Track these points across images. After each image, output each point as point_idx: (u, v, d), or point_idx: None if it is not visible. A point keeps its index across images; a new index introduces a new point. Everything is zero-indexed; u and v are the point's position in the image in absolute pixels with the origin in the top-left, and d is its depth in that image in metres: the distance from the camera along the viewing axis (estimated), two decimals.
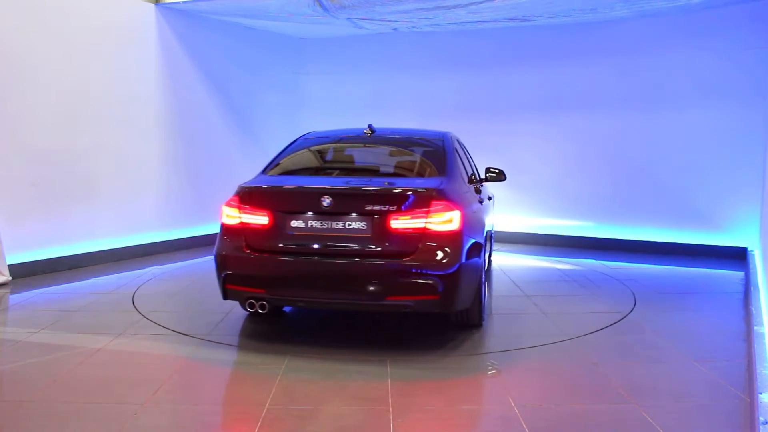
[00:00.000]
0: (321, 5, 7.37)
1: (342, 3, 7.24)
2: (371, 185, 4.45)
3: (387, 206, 4.14)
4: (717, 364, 4.12)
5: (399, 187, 4.36)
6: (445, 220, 4.16)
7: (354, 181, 4.60)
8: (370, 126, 5.29)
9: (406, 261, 4.07)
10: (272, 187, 4.52)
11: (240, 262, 4.36)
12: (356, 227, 4.19)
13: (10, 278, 6.33)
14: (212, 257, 4.53)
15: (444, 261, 4.10)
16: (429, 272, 4.08)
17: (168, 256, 7.97)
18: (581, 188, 8.77)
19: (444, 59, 9.46)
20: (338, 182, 4.59)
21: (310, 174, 5.04)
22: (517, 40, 8.94)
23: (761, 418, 2.85)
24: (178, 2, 7.86)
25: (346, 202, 4.23)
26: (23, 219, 6.56)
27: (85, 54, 7.09)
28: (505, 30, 8.81)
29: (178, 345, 4.51)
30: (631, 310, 5.46)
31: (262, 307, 4.30)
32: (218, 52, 8.90)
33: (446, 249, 4.13)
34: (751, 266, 6.76)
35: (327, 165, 5.25)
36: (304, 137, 5.47)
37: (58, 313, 5.29)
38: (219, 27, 8.83)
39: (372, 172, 5.14)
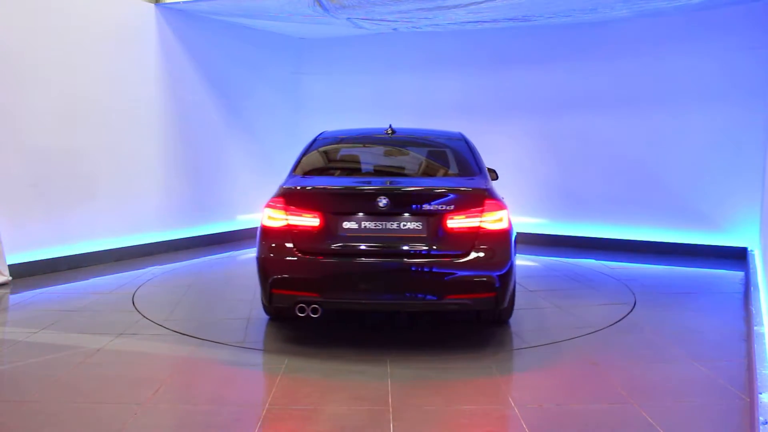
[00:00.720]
0: (321, 5, 7.37)
1: (342, 3, 7.24)
2: (427, 185, 4.48)
3: (443, 206, 4.18)
4: (717, 364, 4.12)
5: (454, 186, 4.41)
6: (496, 219, 4.24)
7: (406, 182, 4.63)
8: (390, 126, 5.28)
9: (465, 260, 4.13)
10: (324, 188, 4.43)
11: (290, 265, 4.19)
12: (411, 227, 4.20)
13: (10, 278, 6.32)
14: (255, 260, 4.39)
15: (499, 259, 4.19)
16: (487, 271, 4.15)
17: (168, 256, 7.97)
18: (581, 188, 8.77)
19: (444, 59, 9.45)
20: (388, 182, 4.59)
21: (349, 174, 5.01)
22: (517, 40, 8.94)
23: (761, 418, 2.85)
24: (178, 2, 7.86)
25: (403, 202, 4.23)
26: (23, 219, 6.56)
27: (85, 54, 7.09)
28: (505, 30, 8.81)
29: (178, 345, 4.51)
30: (631, 310, 5.45)
31: (314, 311, 4.16)
32: (218, 52, 8.90)
33: (500, 247, 4.23)
34: (751, 266, 6.76)
35: (362, 165, 5.24)
36: (323, 137, 5.35)
37: (58, 313, 5.29)
38: (219, 27, 8.83)
39: (411, 171, 5.11)
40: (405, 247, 4.17)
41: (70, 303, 5.66)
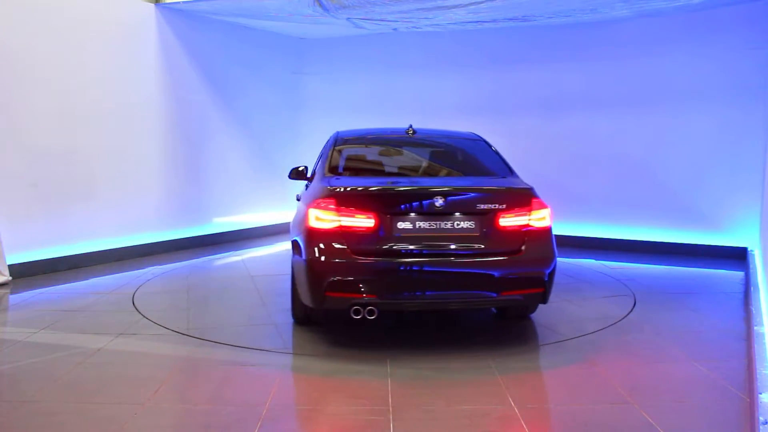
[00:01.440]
0: (321, 5, 7.37)
1: (342, 3, 7.24)
2: (477, 184, 4.56)
3: (496, 205, 4.26)
4: (717, 364, 4.12)
5: (502, 186, 4.49)
6: (541, 217, 4.40)
7: (454, 181, 4.68)
8: (411, 126, 5.33)
9: (518, 257, 4.25)
10: (379, 188, 4.38)
11: (346, 267, 4.10)
12: (464, 226, 4.24)
13: (10, 278, 6.33)
14: (298, 263, 4.33)
15: (547, 256, 4.36)
16: (537, 267, 4.30)
17: (168, 256, 7.97)
18: (581, 188, 8.76)
19: (444, 59, 9.45)
20: (438, 182, 4.62)
21: (389, 174, 5.02)
22: (517, 40, 8.94)
23: (761, 418, 2.85)
24: (178, 2, 7.86)
25: (457, 202, 4.26)
26: (23, 219, 6.57)
27: (85, 54, 7.09)
28: (505, 30, 8.81)
29: (178, 345, 4.51)
30: (631, 310, 5.45)
31: (370, 312, 4.11)
32: (218, 52, 8.91)
33: (547, 245, 4.40)
34: (751, 266, 6.76)
35: (398, 165, 5.24)
36: (343, 137, 5.30)
37: (58, 313, 5.29)
38: (219, 27, 8.83)
39: (450, 171, 5.13)
40: (460, 246, 4.23)
41: (70, 303, 5.66)
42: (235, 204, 9.22)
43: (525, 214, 4.31)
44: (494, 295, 4.24)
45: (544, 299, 4.45)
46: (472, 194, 4.35)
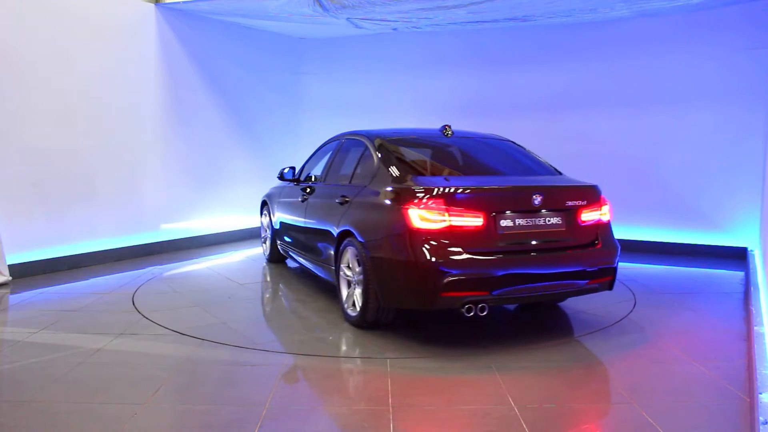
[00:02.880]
0: (321, 5, 7.37)
1: (342, 3, 7.24)
2: (563, 183, 4.84)
3: (579, 201, 4.63)
4: (717, 364, 4.12)
5: (578, 184, 4.83)
6: (606, 212, 4.83)
7: (539, 180, 4.87)
8: (449, 127, 5.49)
9: (597, 248, 4.66)
10: (488, 188, 4.50)
11: (461, 266, 4.17)
12: (553, 222, 4.53)
13: (10, 278, 6.33)
14: (403, 265, 4.28)
15: (616, 246, 4.79)
16: (610, 257, 4.70)
17: (168, 256, 7.97)
18: None
19: (444, 59, 9.45)
20: (531, 181, 4.81)
21: (464, 174, 5.07)
22: (517, 40, 8.94)
23: (761, 418, 2.85)
24: (178, 2, 7.86)
25: (551, 199, 4.52)
26: (23, 219, 6.57)
27: (85, 54, 7.09)
28: (505, 30, 8.81)
29: (178, 345, 4.51)
30: (631, 310, 5.46)
31: (482, 309, 4.22)
32: (218, 52, 8.91)
33: (613, 236, 4.84)
34: (751, 266, 6.76)
35: (467, 165, 5.28)
36: (388, 138, 5.29)
37: (58, 313, 5.29)
38: (219, 27, 8.83)
39: (518, 171, 5.23)
40: (552, 241, 4.53)
41: (70, 303, 5.66)
42: (235, 204, 9.22)
43: (598, 209, 4.74)
44: (584, 283, 4.58)
45: (611, 286, 4.80)
46: (561, 192, 4.65)
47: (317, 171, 6.41)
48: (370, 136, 5.42)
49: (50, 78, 6.77)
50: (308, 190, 6.14)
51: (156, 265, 7.40)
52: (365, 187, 4.97)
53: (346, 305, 4.99)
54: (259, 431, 3.13)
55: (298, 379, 3.89)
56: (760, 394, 3.12)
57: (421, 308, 4.52)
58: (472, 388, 3.78)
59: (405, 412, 3.37)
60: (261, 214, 7.78)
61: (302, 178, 6.56)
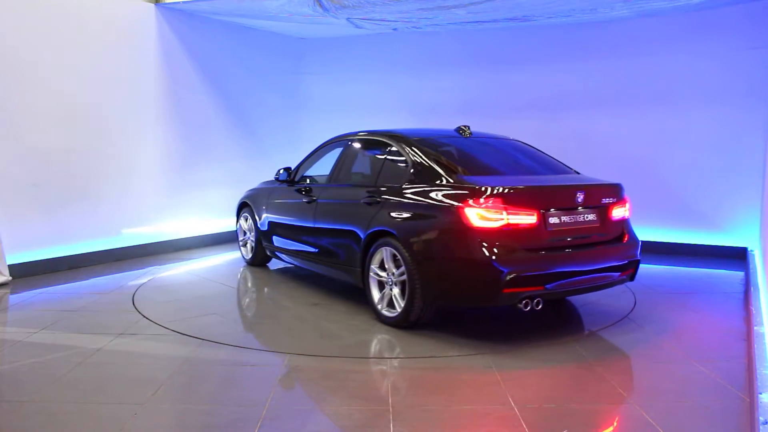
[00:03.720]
0: (321, 5, 7.37)
1: (342, 3, 7.24)
2: (598, 182, 5.06)
3: (611, 199, 4.91)
4: (717, 364, 4.12)
5: (607, 183, 5.07)
6: (628, 208, 5.13)
7: (583, 179, 5.12)
8: (468, 127, 5.65)
9: (625, 242, 4.95)
10: (540, 186, 4.69)
11: (523, 262, 4.32)
12: (590, 218, 4.76)
13: (10, 278, 6.33)
14: (462, 263, 4.37)
15: (638, 241, 5.09)
16: (635, 250, 4.99)
17: (168, 256, 7.98)
18: None
19: (444, 59, 9.45)
20: (572, 180, 5.03)
21: (501, 174, 5.14)
22: (517, 40, 8.94)
23: (761, 418, 2.85)
24: (178, 2, 7.86)
25: (590, 197, 4.76)
26: (23, 219, 6.57)
27: (84, 54, 7.09)
28: (505, 30, 8.81)
29: (178, 345, 4.51)
30: (631, 310, 5.46)
31: (537, 304, 4.37)
32: (218, 52, 8.91)
33: (633, 231, 5.14)
34: (751, 266, 6.76)
35: (500, 164, 5.32)
36: (417, 138, 5.30)
37: (58, 313, 5.29)
38: (219, 27, 8.83)
39: (542, 170, 5.33)
40: (589, 236, 4.74)
41: (70, 303, 5.66)
42: (235, 203, 9.21)
43: (623, 206, 5.04)
44: (617, 275, 4.84)
45: (633, 277, 5.06)
46: (598, 190, 4.90)
47: (318, 172, 6.39)
48: (395, 136, 5.40)
49: (50, 78, 6.77)
50: (309, 191, 6.08)
51: (156, 265, 7.40)
52: (400, 187, 4.97)
53: (379, 306, 4.99)
54: (259, 431, 3.13)
55: (298, 379, 3.89)
56: (760, 394, 3.12)
57: (481, 305, 4.76)
58: (472, 388, 3.78)
59: (405, 412, 3.37)
60: (239, 216, 7.54)
61: (297, 180, 6.48)
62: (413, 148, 5.14)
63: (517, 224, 4.36)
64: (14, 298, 5.87)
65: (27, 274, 6.57)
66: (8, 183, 6.42)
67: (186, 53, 8.39)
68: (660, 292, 6.18)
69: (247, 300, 6.02)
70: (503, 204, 4.33)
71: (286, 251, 6.52)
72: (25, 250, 6.59)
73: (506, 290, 4.27)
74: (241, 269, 7.24)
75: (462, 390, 3.75)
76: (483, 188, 4.38)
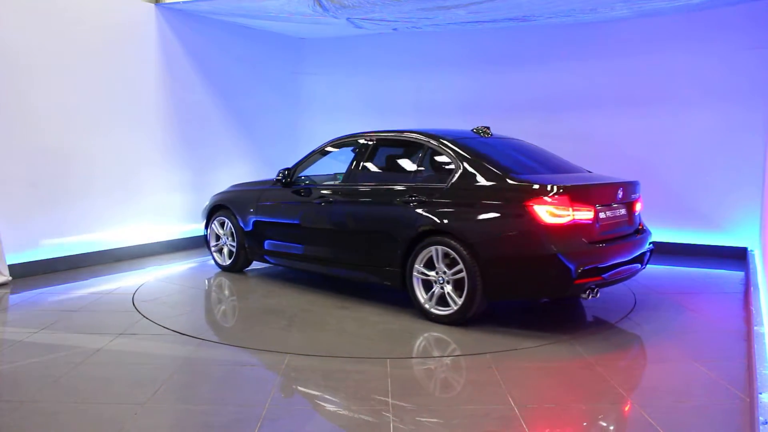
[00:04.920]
0: (321, 5, 7.36)
1: (342, 3, 7.24)
2: (630, 180, 5.36)
3: (635, 195, 5.36)
4: (717, 364, 4.12)
5: (633, 181, 5.40)
6: (640, 203, 5.52)
7: (611, 178, 5.41)
8: (488, 128, 5.88)
9: (644, 234, 5.39)
10: (596, 184, 5.07)
11: (588, 255, 4.62)
12: (622, 213, 5.15)
13: (10, 278, 6.33)
14: (535, 257, 4.57)
15: (650, 232, 5.51)
16: (649, 240, 5.41)
17: (168, 256, 7.97)
18: None
19: (444, 59, 9.45)
20: (610, 178, 5.37)
21: (539, 173, 5.26)
22: (517, 40, 8.94)
23: (761, 418, 2.85)
24: (178, 2, 7.86)
25: (625, 193, 5.15)
26: (23, 219, 6.57)
27: (84, 54, 7.09)
28: (505, 30, 8.81)
29: (178, 345, 4.51)
30: (631, 310, 5.46)
31: (596, 293, 4.68)
32: (218, 52, 8.90)
33: (645, 225, 5.56)
34: (751, 266, 6.76)
35: (536, 163, 5.44)
36: (455, 138, 5.34)
37: (58, 313, 5.29)
38: (219, 27, 8.83)
39: (565, 169, 5.55)
40: (624, 229, 5.16)
41: (70, 303, 5.66)
42: None
43: (639, 201, 5.46)
44: (641, 265, 5.27)
45: (645, 264, 5.40)
46: (629, 187, 5.23)
47: (318, 172, 6.37)
48: (433, 135, 5.41)
49: (50, 78, 6.76)
50: (317, 192, 5.97)
51: (156, 265, 7.39)
52: (448, 186, 5.00)
53: (427, 305, 5.02)
54: (259, 431, 3.13)
55: (298, 379, 3.89)
56: (760, 394, 3.12)
57: (552, 297, 5.28)
58: (472, 388, 3.78)
59: (405, 412, 3.37)
60: (210, 219, 7.11)
61: (295, 181, 6.34)
62: (457, 147, 5.18)
63: (580, 220, 4.65)
64: (14, 298, 5.87)
65: (27, 274, 6.57)
66: (8, 183, 6.41)
67: (186, 53, 8.39)
68: (660, 292, 6.18)
69: (247, 300, 6.01)
70: (570, 201, 4.59)
71: (282, 255, 6.32)
72: (25, 250, 6.59)
73: (577, 281, 4.54)
74: (214, 274, 7.04)
75: (462, 390, 3.75)
76: (550, 186, 4.60)
